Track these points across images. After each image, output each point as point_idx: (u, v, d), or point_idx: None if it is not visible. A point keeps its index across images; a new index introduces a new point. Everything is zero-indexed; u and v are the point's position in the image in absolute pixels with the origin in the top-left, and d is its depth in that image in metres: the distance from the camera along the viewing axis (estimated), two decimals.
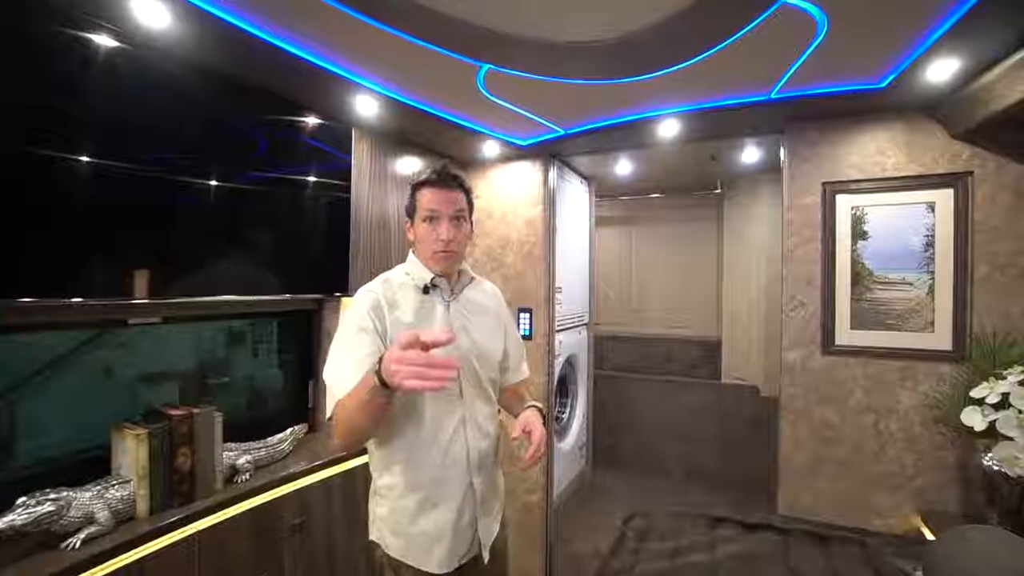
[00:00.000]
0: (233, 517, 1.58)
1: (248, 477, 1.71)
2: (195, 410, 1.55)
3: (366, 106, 1.98)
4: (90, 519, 1.24)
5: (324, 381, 1.14)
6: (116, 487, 1.34)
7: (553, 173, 2.72)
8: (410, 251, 1.32)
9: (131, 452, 1.39)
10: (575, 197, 3.18)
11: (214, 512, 1.53)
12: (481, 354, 1.28)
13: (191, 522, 1.45)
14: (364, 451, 1.98)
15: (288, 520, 1.74)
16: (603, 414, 3.63)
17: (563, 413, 3.23)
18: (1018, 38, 1.40)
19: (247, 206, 1.80)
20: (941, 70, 1.60)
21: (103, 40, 1.34)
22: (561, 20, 1.44)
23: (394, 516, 1.20)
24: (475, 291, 1.37)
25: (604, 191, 3.79)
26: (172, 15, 1.32)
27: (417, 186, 1.26)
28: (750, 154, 2.75)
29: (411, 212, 1.27)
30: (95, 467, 1.45)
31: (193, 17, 1.35)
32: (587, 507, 3.08)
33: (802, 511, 2.07)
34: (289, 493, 1.76)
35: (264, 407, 2.18)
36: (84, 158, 1.33)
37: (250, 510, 1.63)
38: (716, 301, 3.72)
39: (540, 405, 1.33)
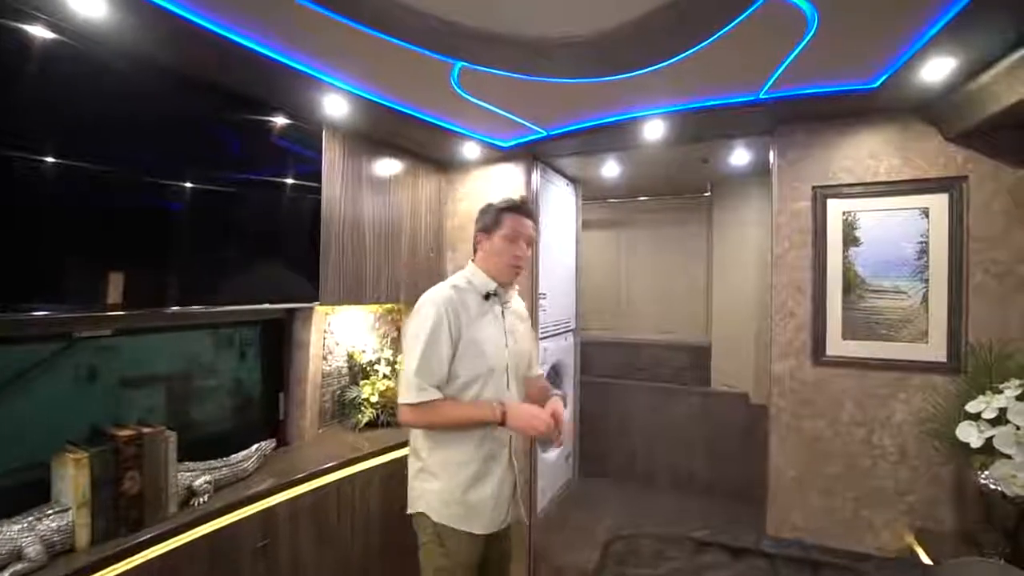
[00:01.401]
0: (188, 543, 1.48)
1: (206, 499, 1.60)
2: (145, 430, 1.45)
3: (335, 105, 1.88)
4: (18, 555, 1.14)
5: (408, 367, 1.39)
6: (52, 517, 1.24)
7: (536, 175, 2.63)
8: (470, 263, 1.55)
9: (71, 478, 1.29)
10: (561, 200, 3.10)
11: (166, 539, 1.43)
12: (521, 354, 1.57)
13: (139, 551, 1.35)
14: (352, 462, 1.97)
15: (250, 543, 1.64)
16: (590, 422, 3.54)
17: None
18: (1016, 37, 1.32)
19: (210, 210, 1.71)
20: (936, 70, 1.52)
21: (38, 31, 1.24)
22: (535, 16, 1.36)
23: (448, 488, 1.41)
24: (516, 301, 1.63)
25: (592, 194, 3.70)
26: (109, 5, 1.22)
27: (503, 210, 1.51)
28: (740, 156, 2.67)
29: (491, 229, 1.51)
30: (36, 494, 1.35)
31: (135, 9, 1.25)
32: (574, 518, 2.99)
33: (792, 529, 1.99)
34: (252, 515, 1.66)
35: (229, 423, 2.07)
36: (36, 158, 1.25)
37: (207, 535, 1.53)
38: (706, 306, 3.64)
39: (562, 392, 1.68)
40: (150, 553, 1.37)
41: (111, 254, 1.46)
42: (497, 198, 2.59)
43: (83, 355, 1.61)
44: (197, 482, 1.60)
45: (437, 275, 2.71)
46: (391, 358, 2.55)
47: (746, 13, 1.30)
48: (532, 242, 1.58)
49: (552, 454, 3.06)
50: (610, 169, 2.95)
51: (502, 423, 1.38)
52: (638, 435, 3.54)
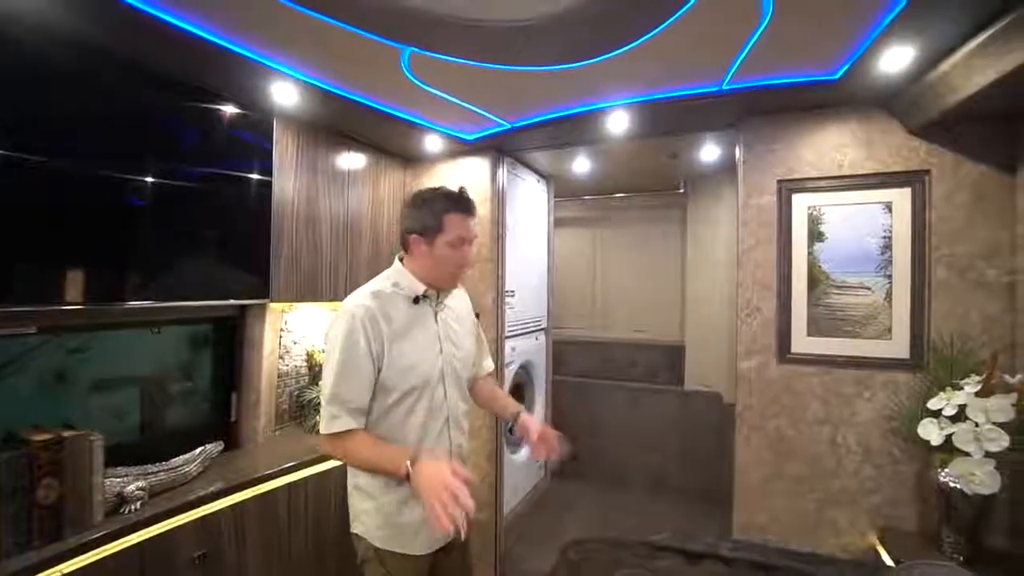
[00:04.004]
0: (114, 554, 1.38)
1: (139, 506, 1.51)
2: (65, 434, 1.36)
3: (284, 93, 1.80)
4: None
5: (324, 391, 1.23)
6: None
7: (502, 169, 2.57)
8: (397, 262, 1.36)
9: None
10: (531, 196, 3.04)
11: (88, 550, 1.33)
12: (460, 358, 1.39)
13: (54, 564, 1.26)
14: (305, 464, 1.91)
15: (187, 553, 1.55)
16: (563, 422, 3.48)
17: None
18: (972, 24, 1.29)
19: (154, 203, 1.63)
20: (894, 59, 1.49)
21: None
22: None
23: (381, 511, 1.28)
24: (454, 298, 1.45)
25: (566, 191, 3.66)
26: None
27: (445, 210, 1.28)
28: (710, 152, 2.65)
29: (430, 231, 1.28)
30: None
31: None
32: (543, 522, 2.93)
33: (758, 531, 1.95)
34: (190, 522, 1.57)
35: (176, 425, 1.97)
36: None
37: (138, 544, 1.43)
38: (680, 305, 3.61)
39: (521, 407, 1.50)
40: (68, 566, 1.28)
41: (54, 249, 1.41)
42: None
43: (14, 354, 1.51)
44: (129, 488, 1.51)
45: None
46: None
47: None
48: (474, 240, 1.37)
49: (521, 455, 2.99)
50: (581, 164, 2.91)
51: (407, 479, 1.13)
52: (611, 436, 3.50)
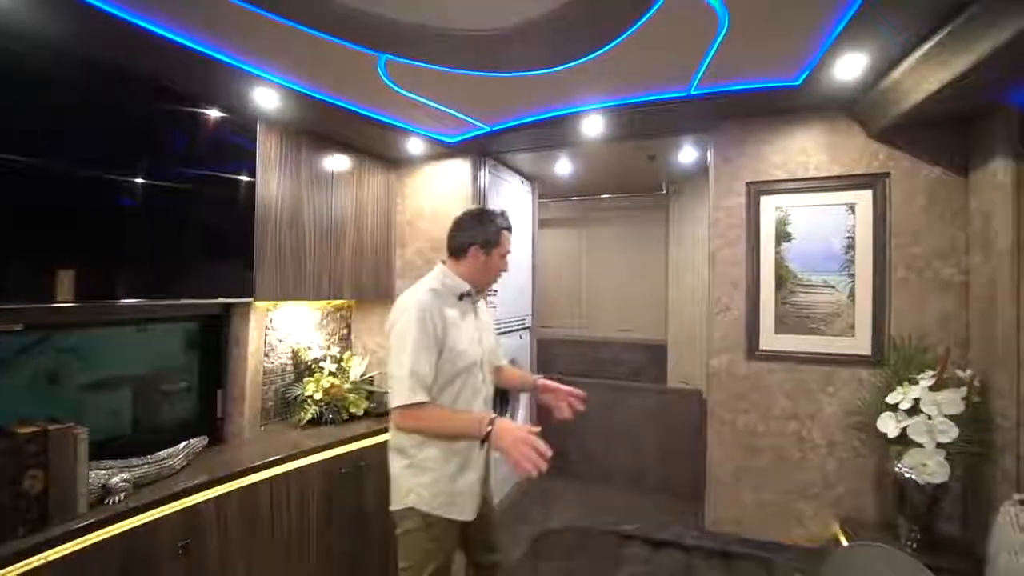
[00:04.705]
0: (98, 543, 1.43)
1: (123, 498, 1.56)
2: (51, 426, 1.40)
3: (266, 98, 1.85)
4: None
5: (396, 373, 1.41)
6: None
7: (484, 172, 2.63)
8: (441, 264, 1.61)
9: None
10: (515, 197, 3.09)
11: (72, 539, 1.38)
12: (492, 349, 1.69)
13: (37, 552, 1.30)
14: (288, 459, 1.96)
15: (170, 543, 1.60)
16: (548, 419, 3.53)
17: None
18: (918, 33, 1.36)
19: (141, 204, 1.68)
20: (849, 67, 1.56)
21: None
22: (449, 7, 1.35)
23: (437, 480, 1.47)
24: (480, 301, 1.71)
25: (551, 192, 3.71)
26: None
27: (501, 228, 1.59)
28: (687, 154, 2.71)
29: (491, 245, 1.57)
30: None
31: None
32: (527, 516, 2.98)
33: (727, 523, 2.01)
34: (173, 513, 1.62)
35: (164, 421, 2.02)
36: None
37: (120, 534, 1.48)
38: (664, 304, 3.67)
39: (538, 376, 1.80)
40: (51, 554, 1.33)
41: (42, 249, 1.46)
42: (448, 192, 2.64)
43: (2, 351, 1.56)
44: (113, 480, 1.55)
45: (385, 273, 2.70)
46: (338, 355, 2.52)
47: (653, 8, 1.32)
48: None
49: None
50: (563, 166, 2.96)
51: (484, 439, 1.33)
52: (596, 433, 3.55)
